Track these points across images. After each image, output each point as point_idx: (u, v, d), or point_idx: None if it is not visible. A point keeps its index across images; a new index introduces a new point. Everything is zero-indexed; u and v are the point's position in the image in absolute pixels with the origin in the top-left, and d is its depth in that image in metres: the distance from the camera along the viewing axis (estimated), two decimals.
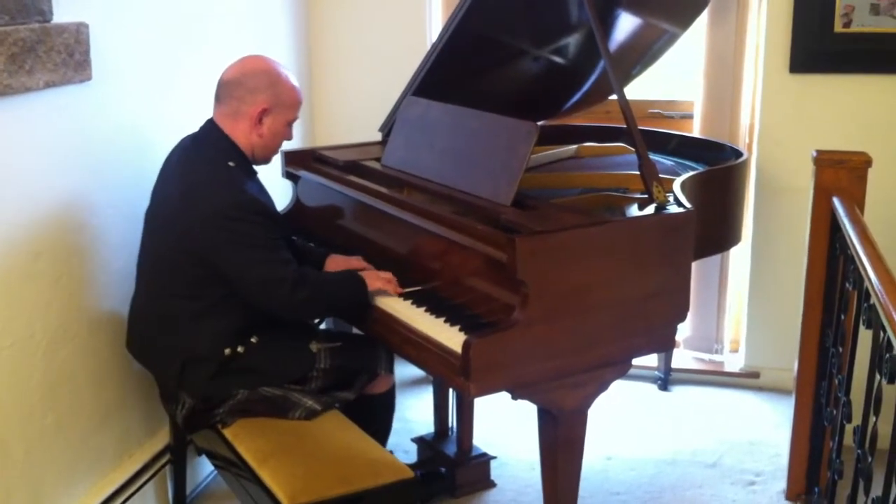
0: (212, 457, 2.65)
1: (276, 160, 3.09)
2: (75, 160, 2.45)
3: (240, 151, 2.51)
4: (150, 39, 2.77)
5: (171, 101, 2.82)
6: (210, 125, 2.53)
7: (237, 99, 2.48)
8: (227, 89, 2.50)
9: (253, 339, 2.45)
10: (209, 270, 2.39)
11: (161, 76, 2.82)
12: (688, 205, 2.45)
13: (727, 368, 3.94)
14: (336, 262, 2.70)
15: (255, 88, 2.48)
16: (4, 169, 2.18)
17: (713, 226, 3.12)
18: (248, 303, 2.41)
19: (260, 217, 2.39)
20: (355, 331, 2.72)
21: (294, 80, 2.56)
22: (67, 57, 2.33)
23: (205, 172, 2.43)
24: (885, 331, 1.95)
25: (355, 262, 2.67)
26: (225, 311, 2.42)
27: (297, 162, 3.11)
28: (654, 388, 3.88)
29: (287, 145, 2.71)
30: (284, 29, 3.83)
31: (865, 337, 2.21)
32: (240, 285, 2.38)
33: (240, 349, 2.43)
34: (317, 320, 3.20)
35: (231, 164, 2.45)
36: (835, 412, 2.53)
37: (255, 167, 2.59)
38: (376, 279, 2.50)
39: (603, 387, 2.35)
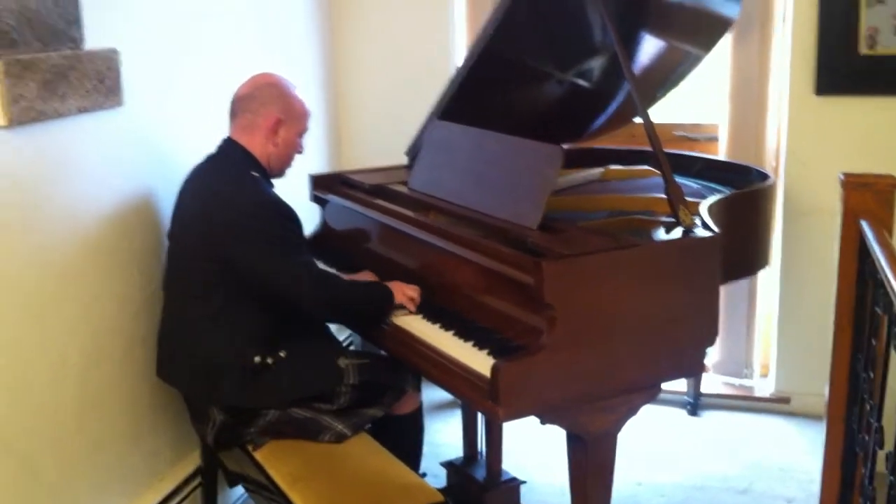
0: (242, 480, 2.66)
1: (304, 184, 3.13)
2: (107, 184, 2.48)
3: (258, 163, 2.59)
4: (180, 65, 2.81)
5: (202, 125, 2.86)
6: (228, 141, 2.62)
7: (251, 112, 2.58)
8: (240, 104, 2.61)
9: (282, 353, 2.47)
10: (231, 276, 2.43)
11: (191, 101, 2.86)
12: (715, 228, 2.44)
13: (757, 393, 3.91)
14: None
15: (267, 101, 2.58)
16: (37, 194, 2.21)
17: (741, 249, 3.11)
18: (274, 303, 2.45)
19: (284, 219, 2.47)
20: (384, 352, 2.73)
21: (300, 94, 2.67)
22: (99, 83, 2.36)
23: (229, 181, 2.51)
24: None
25: (366, 276, 2.74)
26: (250, 316, 2.46)
27: (324, 186, 3.13)
28: (683, 413, 3.85)
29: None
30: (312, 55, 3.87)
31: None
32: (264, 283, 2.43)
33: (269, 360, 2.45)
34: (346, 341, 3.22)
35: (255, 174, 2.54)
36: (867, 438, 2.50)
37: (274, 182, 2.66)
38: (401, 293, 2.55)
39: (632, 411, 2.34)
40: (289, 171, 2.72)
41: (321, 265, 2.91)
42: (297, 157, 2.71)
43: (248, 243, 2.41)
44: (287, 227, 2.47)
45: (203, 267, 2.46)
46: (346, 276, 2.79)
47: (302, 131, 2.67)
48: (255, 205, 2.44)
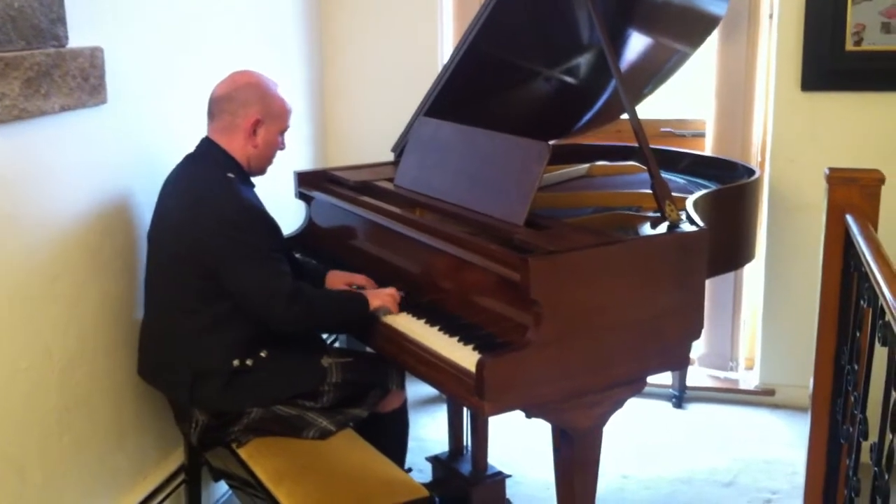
0: (227, 477, 2.66)
1: (290, 181, 3.13)
2: (91, 183, 2.47)
3: (237, 164, 2.56)
4: (164, 62, 2.80)
5: (186, 123, 2.84)
6: (206, 142, 2.59)
7: (230, 113, 2.54)
8: (219, 105, 2.57)
9: (263, 354, 2.46)
10: (214, 281, 2.41)
11: (175, 99, 2.85)
12: (700, 223, 2.45)
13: (742, 386, 3.93)
14: (336, 277, 2.75)
15: (246, 101, 2.54)
16: (20, 192, 2.20)
17: (726, 244, 3.12)
18: (246, 312, 2.43)
19: (260, 226, 2.45)
20: (369, 349, 2.73)
21: (281, 92, 2.62)
22: (82, 81, 2.35)
23: (206, 184, 2.47)
24: None
25: (358, 278, 2.70)
26: (233, 321, 2.44)
27: (310, 183, 3.12)
28: (668, 406, 3.87)
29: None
30: (298, 52, 3.86)
31: (881, 354, 2.20)
32: (237, 295, 2.41)
33: (249, 362, 2.44)
34: (330, 338, 3.22)
35: (231, 175, 2.50)
36: (851, 429, 2.52)
37: (257, 181, 2.64)
38: (376, 297, 2.53)
39: (617, 405, 2.35)
40: (274, 168, 2.71)
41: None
42: (281, 153, 2.70)
43: (224, 254, 2.38)
44: (262, 235, 2.44)
45: (184, 274, 2.44)
46: (332, 273, 2.79)
47: (283, 129, 2.63)
48: (232, 212, 2.40)
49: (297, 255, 2.84)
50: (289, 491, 2.27)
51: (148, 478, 2.77)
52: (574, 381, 2.23)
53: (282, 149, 2.68)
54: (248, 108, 2.54)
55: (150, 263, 2.59)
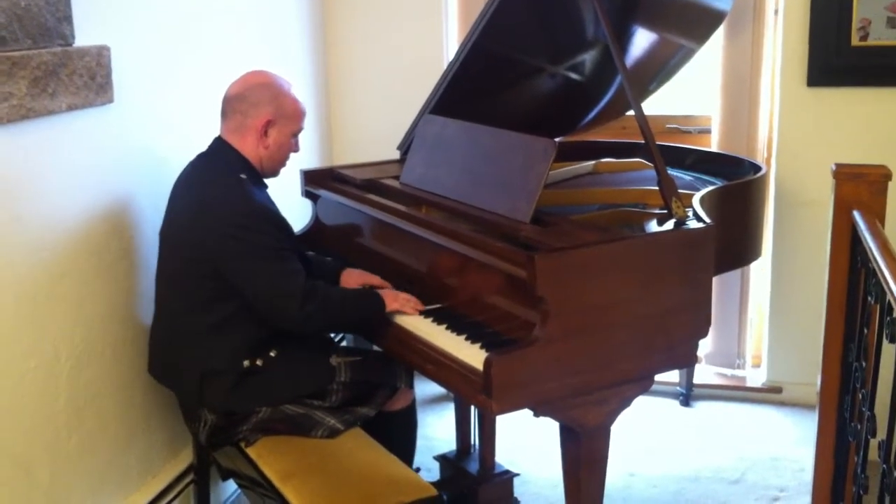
0: (235, 476, 2.66)
1: (296, 179, 3.13)
2: (97, 182, 2.48)
3: (250, 164, 2.55)
4: (171, 61, 2.80)
5: (193, 122, 2.85)
6: (218, 141, 2.58)
7: (241, 113, 2.53)
8: (231, 105, 2.56)
9: (272, 353, 2.46)
10: (223, 283, 2.41)
11: (182, 98, 2.85)
12: (707, 220, 2.44)
13: (749, 384, 3.92)
14: (351, 276, 2.73)
15: (258, 102, 2.52)
16: (28, 191, 2.20)
17: (733, 240, 3.12)
18: (259, 314, 2.43)
19: (271, 227, 2.43)
20: (376, 347, 2.73)
21: (295, 93, 2.60)
22: (89, 80, 2.36)
23: (217, 185, 2.47)
24: None
25: (374, 279, 2.69)
26: (242, 323, 2.44)
27: (316, 181, 3.12)
28: (675, 403, 3.87)
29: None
30: (303, 51, 3.86)
31: (889, 350, 2.20)
32: (250, 296, 2.41)
33: (259, 362, 2.44)
34: (337, 337, 3.22)
35: (243, 176, 2.49)
36: (859, 427, 2.51)
37: (266, 181, 2.63)
38: (394, 300, 2.51)
39: (625, 403, 2.35)
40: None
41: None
42: (292, 154, 2.68)
43: (236, 257, 2.37)
44: (272, 235, 2.41)
45: (194, 274, 2.44)
46: (347, 271, 2.78)
47: (296, 131, 2.61)
48: (241, 214, 2.39)
49: (311, 253, 2.82)
50: (297, 489, 2.28)
51: (157, 477, 2.77)
52: (581, 378, 2.22)
53: (295, 151, 2.65)
54: (259, 108, 2.52)
55: (161, 262, 2.59)
